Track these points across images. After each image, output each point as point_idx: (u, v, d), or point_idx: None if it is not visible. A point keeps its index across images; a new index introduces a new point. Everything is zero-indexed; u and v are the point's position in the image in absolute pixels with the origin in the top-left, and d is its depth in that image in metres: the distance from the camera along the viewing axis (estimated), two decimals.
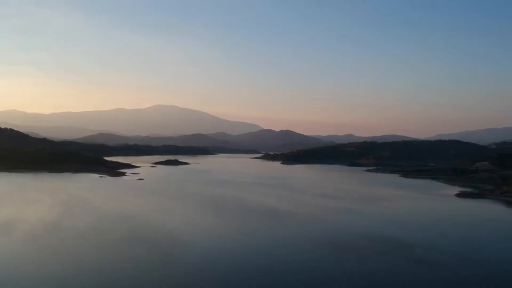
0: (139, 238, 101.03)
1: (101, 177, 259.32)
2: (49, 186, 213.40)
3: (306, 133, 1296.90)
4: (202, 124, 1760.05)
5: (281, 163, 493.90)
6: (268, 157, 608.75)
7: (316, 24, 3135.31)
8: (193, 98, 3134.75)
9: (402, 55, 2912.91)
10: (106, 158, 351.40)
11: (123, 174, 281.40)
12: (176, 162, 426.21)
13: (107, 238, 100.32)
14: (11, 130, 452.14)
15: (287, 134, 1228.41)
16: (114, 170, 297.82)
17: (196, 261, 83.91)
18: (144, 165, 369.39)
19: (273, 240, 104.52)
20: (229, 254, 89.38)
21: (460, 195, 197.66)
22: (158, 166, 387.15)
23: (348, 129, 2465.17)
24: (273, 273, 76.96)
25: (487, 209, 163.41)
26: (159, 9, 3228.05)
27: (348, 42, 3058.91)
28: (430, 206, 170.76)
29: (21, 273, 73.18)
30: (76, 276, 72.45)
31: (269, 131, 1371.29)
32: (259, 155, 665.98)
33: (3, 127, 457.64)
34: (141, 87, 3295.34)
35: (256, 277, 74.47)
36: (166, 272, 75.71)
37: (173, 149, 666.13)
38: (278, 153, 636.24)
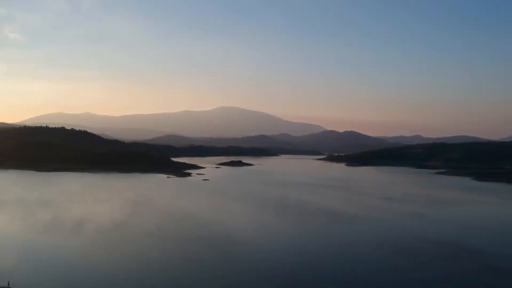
0: (203, 238, 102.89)
1: (168, 177, 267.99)
2: (119, 186, 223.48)
3: (371, 134, 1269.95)
4: (265, 125, 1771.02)
5: (346, 165, 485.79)
6: (331, 158, 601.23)
7: (382, 21, 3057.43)
8: (257, 100, 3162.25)
9: (472, 52, 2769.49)
10: (172, 159, 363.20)
11: (189, 174, 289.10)
12: (240, 163, 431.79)
13: (172, 237, 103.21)
14: (85, 132, 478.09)
15: (351, 135, 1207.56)
16: (181, 170, 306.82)
17: (256, 262, 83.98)
18: (209, 166, 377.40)
19: (336, 243, 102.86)
20: (289, 256, 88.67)
21: None
22: (223, 167, 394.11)
23: (415, 129, 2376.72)
24: (332, 277, 75.80)
25: None
26: (223, 12, 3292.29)
27: (413, 40, 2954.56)
28: (505, 212, 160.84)
29: (90, 271, 76.81)
30: (142, 273, 74.94)
31: (333, 132, 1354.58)
32: (322, 157, 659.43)
33: (77, 129, 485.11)
34: (206, 90, 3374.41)
35: (314, 281, 73.54)
36: (226, 272, 76.66)
37: (237, 150, 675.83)
38: (342, 154, 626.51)
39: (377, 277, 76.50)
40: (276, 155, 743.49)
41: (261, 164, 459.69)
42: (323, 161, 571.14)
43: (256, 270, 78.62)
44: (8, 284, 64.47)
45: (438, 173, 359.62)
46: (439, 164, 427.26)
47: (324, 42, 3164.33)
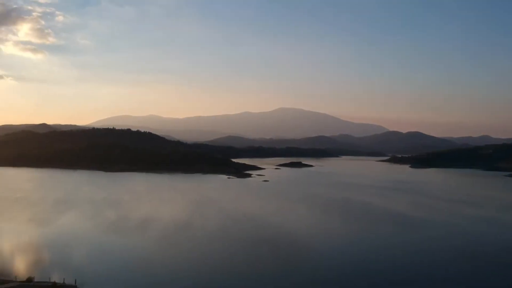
0: (264, 239, 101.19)
1: (228, 178, 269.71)
2: (182, 186, 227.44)
3: (436, 135, 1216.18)
4: (325, 126, 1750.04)
5: (410, 167, 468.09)
6: (395, 160, 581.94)
7: (448, 18, 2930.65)
8: (316, 100, 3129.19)
9: None
10: (233, 160, 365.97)
11: (249, 175, 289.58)
12: (299, 164, 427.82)
13: (235, 239, 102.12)
14: (149, 133, 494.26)
15: (415, 136, 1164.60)
16: (241, 171, 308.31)
17: (320, 266, 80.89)
18: (268, 167, 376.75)
19: (402, 248, 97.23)
20: (353, 261, 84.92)
21: None
22: (282, 168, 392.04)
23: (483, 129, 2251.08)
24: (397, 283, 71.52)
25: None
26: (283, 14, 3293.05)
27: (479, 37, 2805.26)
28: None
29: (154, 271, 76.83)
30: (205, 275, 74.12)
31: (395, 132, 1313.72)
32: (385, 158, 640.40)
33: (142, 130, 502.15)
34: (266, 91, 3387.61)
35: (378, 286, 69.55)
36: (288, 273, 74.21)
37: (296, 151, 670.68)
38: (406, 156, 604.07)
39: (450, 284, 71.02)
40: (336, 156, 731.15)
41: (321, 165, 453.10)
42: (386, 163, 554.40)
43: (320, 275, 75.43)
44: (75, 282, 65.66)
45: (511, 175, 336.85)
46: (511, 166, 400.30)
47: (385, 41, 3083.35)
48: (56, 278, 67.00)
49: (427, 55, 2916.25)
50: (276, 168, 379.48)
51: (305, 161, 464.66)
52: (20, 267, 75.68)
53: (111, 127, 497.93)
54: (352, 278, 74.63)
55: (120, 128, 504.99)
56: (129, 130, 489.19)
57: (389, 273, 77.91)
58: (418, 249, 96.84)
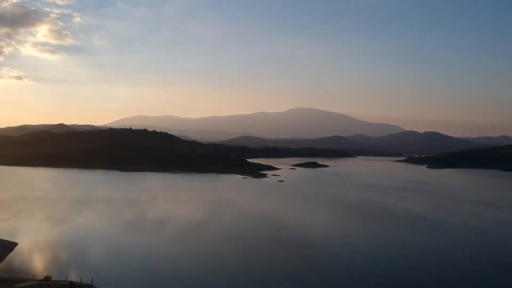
0: (281, 240, 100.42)
1: (243, 178, 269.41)
2: (197, 186, 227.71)
3: (453, 135, 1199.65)
4: (340, 126, 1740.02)
5: (427, 167, 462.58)
6: (412, 160, 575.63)
7: (464, 17, 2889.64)
8: (332, 100, 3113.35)
9: None
10: (248, 160, 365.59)
11: (264, 175, 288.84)
12: (315, 165, 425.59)
13: (251, 239, 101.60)
14: (165, 133, 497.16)
15: (432, 136, 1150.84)
16: (256, 171, 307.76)
17: (334, 264, 79.90)
18: (283, 167, 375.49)
19: (422, 250, 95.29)
20: (369, 262, 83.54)
21: None
22: (298, 168, 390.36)
23: (502, 130, 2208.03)
24: (417, 285, 70.21)
25: None
26: (298, 13, 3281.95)
27: (497, 38, 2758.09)
28: None
29: (170, 269, 76.74)
30: (221, 274, 73.65)
31: (412, 132, 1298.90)
32: (401, 158, 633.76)
33: (158, 130, 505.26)
34: (280, 91, 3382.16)
35: None
36: (305, 273, 73.27)
37: (312, 151, 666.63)
38: (423, 156, 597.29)
39: None
40: (352, 156, 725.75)
41: (337, 165, 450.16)
42: (403, 163, 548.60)
43: (337, 275, 74.37)
44: (92, 281, 65.75)
45: None
46: None
47: (402, 39, 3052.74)
48: (73, 277, 67.31)
49: (445, 55, 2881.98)
50: (291, 168, 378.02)
51: (320, 161, 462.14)
52: (38, 265, 76.29)
53: (128, 127, 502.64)
54: (369, 279, 73.41)
55: (136, 128, 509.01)
56: (145, 130, 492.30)
57: (409, 275, 76.53)
58: (438, 251, 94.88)
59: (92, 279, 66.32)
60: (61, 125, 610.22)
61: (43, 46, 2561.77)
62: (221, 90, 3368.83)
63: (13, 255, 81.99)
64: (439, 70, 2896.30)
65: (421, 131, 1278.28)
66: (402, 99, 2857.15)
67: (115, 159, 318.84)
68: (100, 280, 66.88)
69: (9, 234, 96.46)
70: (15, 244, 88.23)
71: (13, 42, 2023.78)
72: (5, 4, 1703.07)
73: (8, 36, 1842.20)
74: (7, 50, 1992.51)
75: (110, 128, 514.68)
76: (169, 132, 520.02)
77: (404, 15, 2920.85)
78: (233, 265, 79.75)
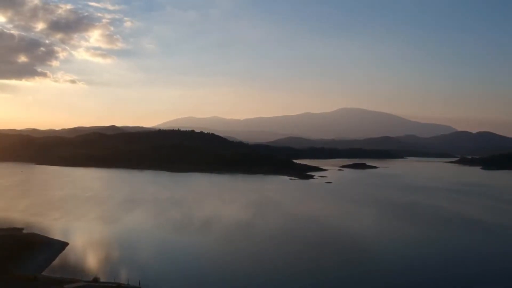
0: (328, 243, 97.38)
1: (290, 179, 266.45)
2: (244, 187, 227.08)
3: (509, 135, 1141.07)
4: (389, 126, 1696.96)
5: (481, 169, 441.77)
6: (464, 161, 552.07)
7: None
8: (380, 100, 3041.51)
9: None
10: (294, 161, 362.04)
11: (311, 177, 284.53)
12: (363, 166, 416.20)
13: (297, 241, 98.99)
14: (212, 134, 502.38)
15: (486, 136, 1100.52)
16: (303, 172, 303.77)
17: (381, 268, 76.35)
18: (331, 168, 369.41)
19: (476, 256, 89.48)
20: (418, 266, 79.62)
21: None
22: (345, 169, 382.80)
23: None
24: None
25: None
26: (344, 13, 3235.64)
27: None
28: None
29: (216, 270, 75.03)
30: (266, 275, 71.49)
31: (464, 133, 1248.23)
32: (453, 159, 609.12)
33: (206, 132, 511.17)
34: (327, 91, 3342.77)
35: None
36: (351, 276, 70.04)
37: (359, 152, 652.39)
38: (477, 157, 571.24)
39: None
40: (401, 157, 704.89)
41: (386, 167, 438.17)
42: (455, 164, 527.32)
43: (384, 280, 70.49)
44: (139, 284, 65.23)
45: None
46: None
47: (452, 38, 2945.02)
48: (121, 278, 67.19)
49: (497, 53, 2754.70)
50: (339, 170, 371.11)
51: (369, 162, 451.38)
52: (87, 266, 76.89)
53: (176, 129, 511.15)
54: (416, 284, 69.12)
55: (184, 129, 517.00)
56: (193, 131, 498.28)
57: (459, 281, 71.65)
58: (494, 256, 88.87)
59: (139, 281, 65.78)
60: (113, 127, 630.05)
61: (96, 50, 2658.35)
62: (267, 91, 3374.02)
63: (63, 255, 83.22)
64: (492, 69, 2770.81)
65: (474, 131, 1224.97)
66: (454, 98, 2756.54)
67: (163, 160, 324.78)
68: (148, 281, 66.29)
69: (61, 234, 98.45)
70: (66, 244, 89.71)
71: (67, 47, 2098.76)
72: (59, 11, 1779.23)
73: (63, 41, 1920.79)
74: (62, 55, 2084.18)
75: (159, 130, 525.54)
76: (215, 133, 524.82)
77: (455, 12, 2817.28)
78: (280, 268, 77.55)
